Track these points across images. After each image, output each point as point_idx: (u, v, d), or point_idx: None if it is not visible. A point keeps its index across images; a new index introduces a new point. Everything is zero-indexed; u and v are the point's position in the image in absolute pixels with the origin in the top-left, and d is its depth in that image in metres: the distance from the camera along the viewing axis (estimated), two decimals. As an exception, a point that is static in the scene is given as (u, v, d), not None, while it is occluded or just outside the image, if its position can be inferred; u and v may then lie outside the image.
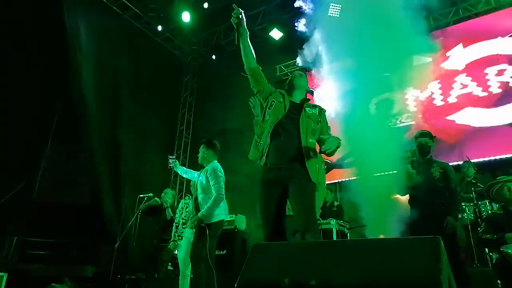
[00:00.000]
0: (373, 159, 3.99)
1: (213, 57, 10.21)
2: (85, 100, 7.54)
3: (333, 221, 5.32)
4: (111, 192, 7.91)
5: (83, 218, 7.31)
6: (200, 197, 3.85)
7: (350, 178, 7.22)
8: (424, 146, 3.86)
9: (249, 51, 2.90)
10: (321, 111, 2.92)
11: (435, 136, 4.02)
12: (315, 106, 2.93)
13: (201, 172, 3.97)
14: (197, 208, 3.87)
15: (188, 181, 5.68)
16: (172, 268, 6.15)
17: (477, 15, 7.22)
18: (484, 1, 7.12)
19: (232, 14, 2.75)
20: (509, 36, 6.58)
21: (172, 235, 4.93)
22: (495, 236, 3.20)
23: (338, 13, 7.85)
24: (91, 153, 7.68)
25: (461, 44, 7.10)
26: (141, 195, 5.45)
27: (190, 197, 4.95)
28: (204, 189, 3.85)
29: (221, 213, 3.84)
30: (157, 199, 5.19)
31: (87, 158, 7.79)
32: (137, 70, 9.09)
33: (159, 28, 9.45)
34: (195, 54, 10.80)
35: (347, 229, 5.65)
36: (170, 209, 5.03)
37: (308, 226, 2.46)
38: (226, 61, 10.07)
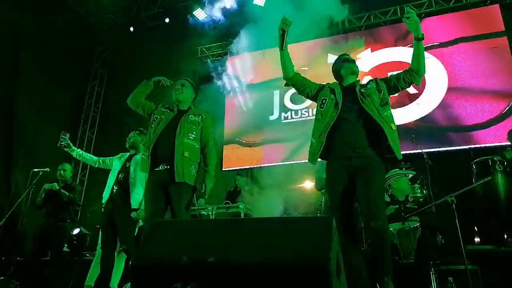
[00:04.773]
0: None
1: (131, 29, 9.57)
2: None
3: (241, 205, 5.44)
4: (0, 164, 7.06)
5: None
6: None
7: (262, 165, 7.46)
8: None
9: (289, 60, 2.82)
10: (375, 80, 2.76)
11: None
12: (366, 84, 2.75)
13: (132, 158, 3.89)
14: (125, 192, 3.73)
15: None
16: (68, 250, 5.73)
17: (385, 23, 7.89)
18: (392, 11, 7.80)
19: (282, 21, 2.70)
20: (409, 46, 7.34)
21: None
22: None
23: (263, 2, 7.98)
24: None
25: (369, 49, 7.72)
26: (36, 170, 4.93)
27: None
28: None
29: None
30: (54, 184, 4.68)
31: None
32: (43, 32, 8.11)
33: (71, -12, 8.56)
34: (111, 24, 10.01)
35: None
36: (63, 190, 4.62)
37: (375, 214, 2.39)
38: (145, 36, 9.54)
